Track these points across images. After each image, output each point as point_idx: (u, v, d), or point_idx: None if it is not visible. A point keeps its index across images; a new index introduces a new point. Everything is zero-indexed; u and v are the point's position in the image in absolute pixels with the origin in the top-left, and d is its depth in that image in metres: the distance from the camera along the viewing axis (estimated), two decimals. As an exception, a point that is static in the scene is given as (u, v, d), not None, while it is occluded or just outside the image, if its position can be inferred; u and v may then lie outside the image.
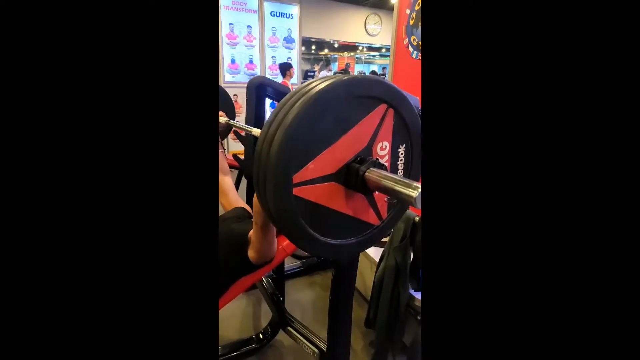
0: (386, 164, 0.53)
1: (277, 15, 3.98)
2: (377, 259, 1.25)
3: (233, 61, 3.83)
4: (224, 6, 3.62)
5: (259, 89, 1.40)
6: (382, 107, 0.50)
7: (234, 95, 3.93)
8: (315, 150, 0.46)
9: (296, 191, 0.46)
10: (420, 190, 0.43)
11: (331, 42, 7.81)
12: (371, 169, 0.48)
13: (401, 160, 0.55)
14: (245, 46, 3.87)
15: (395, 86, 0.51)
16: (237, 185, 1.93)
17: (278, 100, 1.74)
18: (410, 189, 0.43)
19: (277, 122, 0.45)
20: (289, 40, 4.12)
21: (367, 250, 1.55)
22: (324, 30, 6.31)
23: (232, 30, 3.75)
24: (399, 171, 0.56)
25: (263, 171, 0.46)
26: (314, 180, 0.47)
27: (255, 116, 1.43)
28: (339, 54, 9.87)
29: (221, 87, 1.61)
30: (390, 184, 0.45)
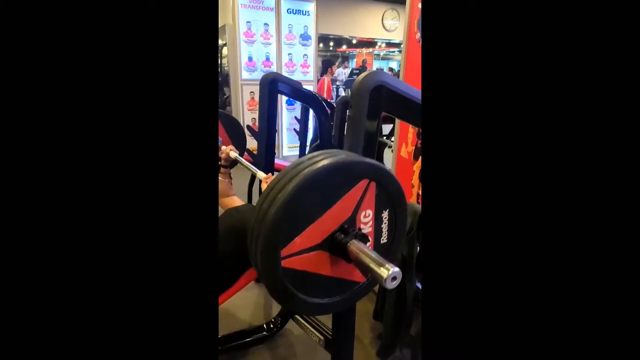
0: (370, 229, 0.57)
1: (294, 12, 4.01)
2: (385, 253, 1.26)
3: (250, 59, 3.90)
4: (241, 4, 3.68)
5: (271, 86, 1.43)
6: (364, 182, 0.54)
7: (251, 92, 4.00)
8: (302, 226, 0.50)
9: (284, 263, 0.50)
10: (392, 270, 0.46)
11: (349, 38, 7.78)
12: (353, 240, 0.52)
13: (385, 223, 0.59)
14: (262, 44, 3.93)
15: (376, 162, 0.55)
16: (251, 181, 1.97)
17: (291, 97, 1.76)
18: (382, 268, 0.47)
19: (268, 201, 0.49)
20: (305, 37, 4.15)
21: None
22: (340, 27, 6.29)
23: (249, 28, 3.81)
24: (383, 234, 0.60)
25: (254, 245, 0.51)
26: (301, 252, 0.51)
27: (268, 112, 1.46)
28: (357, 50, 9.79)
29: (233, 117, 1.65)
30: (366, 260, 0.49)
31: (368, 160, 0.54)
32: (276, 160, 1.63)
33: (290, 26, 4.03)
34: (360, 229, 0.55)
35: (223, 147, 1.38)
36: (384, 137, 3.47)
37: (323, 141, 1.81)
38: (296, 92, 1.54)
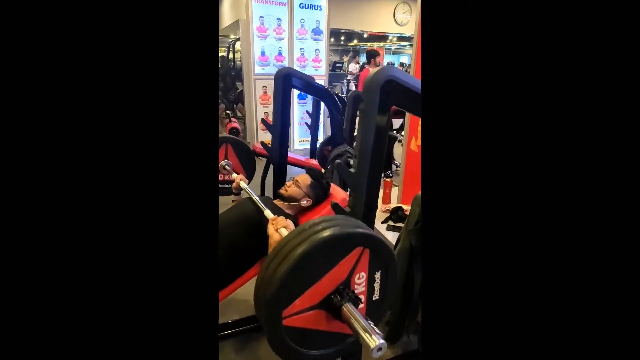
0: (364, 289, 0.63)
1: (306, 7, 4.03)
2: (393, 242, 1.31)
3: (263, 53, 3.94)
4: (254, 0, 3.72)
5: (285, 80, 1.47)
6: (358, 249, 0.60)
7: (264, 87, 4.05)
8: (302, 288, 0.57)
9: (285, 322, 0.56)
10: (378, 343, 0.51)
11: (360, 32, 7.72)
12: (347, 304, 0.57)
13: (377, 282, 0.65)
14: (275, 38, 3.96)
15: (370, 232, 0.61)
16: (264, 173, 2.03)
17: (304, 91, 1.79)
18: (370, 338, 0.52)
19: (273, 265, 0.56)
20: (317, 31, 4.17)
21: (385, 234, 1.60)
22: (352, 21, 6.27)
23: (262, 23, 3.85)
24: (376, 292, 0.65)
25: (259, 304, 0.57)
26: (300, 312, 0.57)
27: (282, 106, 1.51)
28: (368, 44, 9.71)
29: (244, 142, 1.73)
30: (357, 327, 0.54)
31: (363, 230, 0.60)
32: (289, 154, 1.68)
33: (302, 21, 4.05)
34: (353, 291, 0.61)
35: (234, 175, 1.46)
36: (394, 132, 3.48)
37: (334, 135, 1.86)
38: (309, 86, 1.58)
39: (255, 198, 1.23)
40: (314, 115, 2.41)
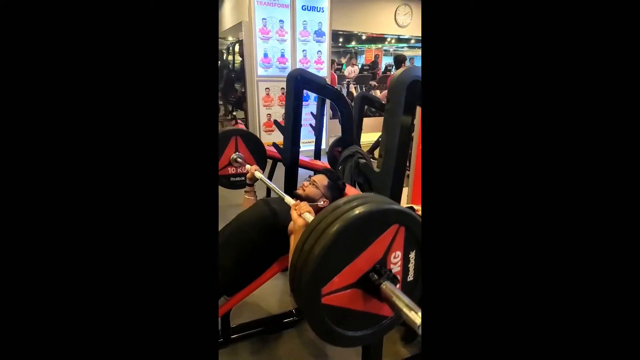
0: (399, 268, 0.63)
1: (309, 9, 4.04)
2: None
3: (266, 55, 3.94)
4: (257, 2, 3.73)
5: (298, 82, 1.48)
6: (394, 227, 0.60)
7: (266, 88, 4.05)
8: (339, 266, 0.56)
9: (324, 300, 0.56)
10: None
11: (358, 34, 7.75)
12: (385, 282, 0.57)
13: (412, 263, 0.65)
14: (278, 40, 3.97)
15: (405, 209, 0.61)
16: (271, 171, 2.04)
17: (316, 93, 1.79)
18: (415, 315, 0.52)
19: (309, 243, 0.55)
20: (319, 33, 4.18)
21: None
22: (353, 23, 6.30)
23: (265, 25, 3.86)
24: (410, 272, 0.65)
25: (298, 282, 0.56)
26: (338, 290, 0.57)
27: (294, 108, 1.52)
28: (366, 46, 9.73)
29: (255, 135, 1.73)
30: (399, 304, 0.54)
31: (398, 207, 0.60)
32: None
33: (304, 23, 4.07)
34: (390, 270, 0.61)
35: (248, 167, 1.46)
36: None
37: (345, 135, 1.86)
38: (322, 88, 1.59)
39: (273, 186, 1.22)
40: (318, 117, 2.42)
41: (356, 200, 0.58)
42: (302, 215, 0.92)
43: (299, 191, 1.31)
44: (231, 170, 1.65)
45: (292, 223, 0.96)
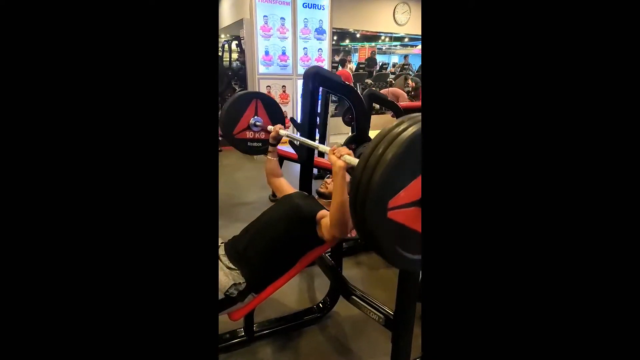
0: None
1: (310, 6, 4.03)
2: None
3: (267, 53, 3.92)
4: (258, -1, 3.71)
5: (314, 79, 1.48)
6: None
7: (267, 86, 4.03)
8: (405, 181, 0.55)
9: (390, 214, 0.55)
10: None
11: (353, 32, 7.75)
12: None
13: None
14: (279, 38, 3.95)
15: None
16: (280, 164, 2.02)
17: (331, 90, 1.79)
18: None
19: (375, 157, 0.53)
20: (320, 31, 4.17)
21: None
22: (353, 21, 6.31)
23: (266, 23, 3.83)
24: None
25: (362, 196, 0.54)
26: (404, 205, 0.56)
27: (310, 105, 1.52)
28: (359, 44, 9.74)
29: (272, 99, 1.70)
30: None
31: None
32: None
33: (305, 20, 4.06)
34: None
35: (270, 127, 1.43)
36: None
37: (359, 132, 1.88)
38: (337, 85, 1.60)
39: (303, 139, 1.21)
40: (322, 114, 2.42)
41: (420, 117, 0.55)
42: (342, 157, 0.90)
43: (322, 189, 1.32)
44: (249, 134, 1.60)
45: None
